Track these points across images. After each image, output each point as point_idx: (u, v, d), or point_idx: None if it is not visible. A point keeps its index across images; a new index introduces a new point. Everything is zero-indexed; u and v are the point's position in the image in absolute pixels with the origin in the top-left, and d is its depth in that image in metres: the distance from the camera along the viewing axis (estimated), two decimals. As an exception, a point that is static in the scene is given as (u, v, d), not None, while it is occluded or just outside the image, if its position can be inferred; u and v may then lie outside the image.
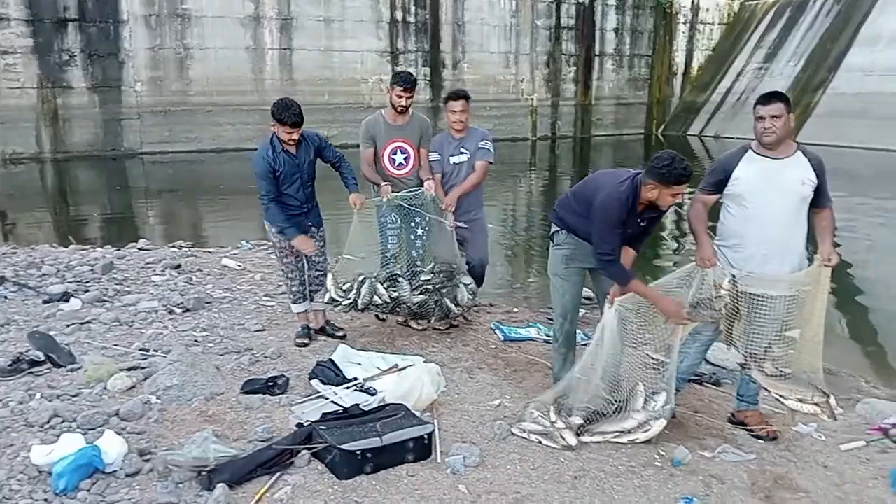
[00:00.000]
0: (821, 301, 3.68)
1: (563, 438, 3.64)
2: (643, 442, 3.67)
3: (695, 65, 25.90)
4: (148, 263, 7.23)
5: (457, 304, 5.11)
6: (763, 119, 3.62)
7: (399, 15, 20.89)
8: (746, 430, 3.95)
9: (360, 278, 4.95)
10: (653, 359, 3.88)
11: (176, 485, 3.15)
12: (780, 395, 3.74)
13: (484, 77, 21.92)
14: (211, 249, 8.25)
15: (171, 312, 5.63)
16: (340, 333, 5.14)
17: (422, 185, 5.09)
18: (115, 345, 4.89)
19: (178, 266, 7.09)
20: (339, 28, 20.08)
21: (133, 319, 5.44)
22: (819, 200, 3.71)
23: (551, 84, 24.03)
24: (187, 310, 5.67)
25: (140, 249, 8.04)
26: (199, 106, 18.64)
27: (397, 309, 5.08)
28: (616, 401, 3.78)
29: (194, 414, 3.85)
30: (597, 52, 24.66)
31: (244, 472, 3.19)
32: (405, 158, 5.20)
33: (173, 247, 8.29)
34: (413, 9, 21.04)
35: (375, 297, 4.93)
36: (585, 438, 3.69)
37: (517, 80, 23.17)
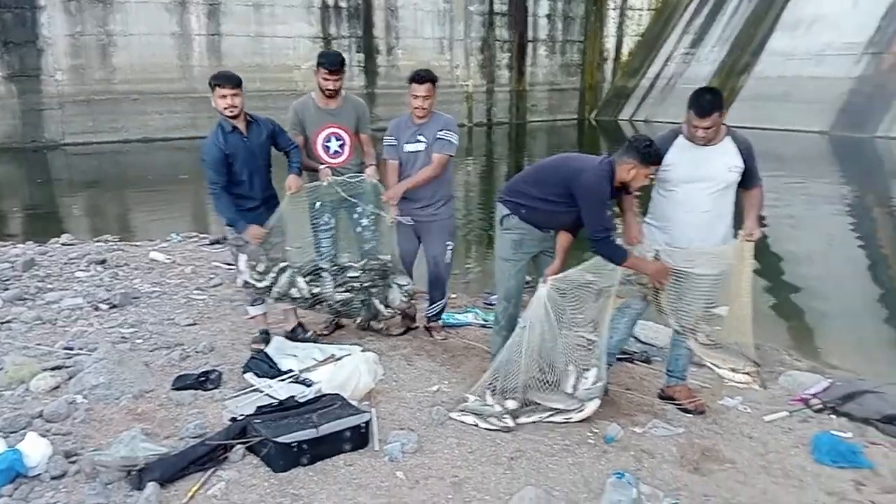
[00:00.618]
0: (746, 275, 3.80)
1: (500, 420, 3.68)
2: (578, 421, 3.74)
3: (625, 50, 26.36)
4: (72, 259, 6.96)
5: (387, 306, 4.81)
6: (697, 129, 3.68)
7: (331, 0, 20.60)
8: (675, 404, 4.07)
9: (282, 265, 4.59)
10: (586, 339, 3.95)
11: (104, 486, 3.05)
12: (714, 364, 3.87)
13: (418, 63, 21.66)
14: (138, 243, 8.02)
15: (96, 309, 5.44)
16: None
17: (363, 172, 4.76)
18: (38, 344, 4.70)
19: (104, 261, 6.86)
20: (269, 13, 19.66)
21: (56, 317, 5.24)
22: (748, 182, 3.83)
23: (486, 70, 24.12)
24: (114, 306, 5.49)
25: (63, 245, 7.74)
26: (124, 94, 18.01)
27: (318, 306, 4.75)
28: (549, 382, 3.84)
29: (123, 412, 3.74)
30: (530, 38, 24.85)
31: (176, 469, 3.12)
32: (340, 146, 4.82)
33: (99, 241, 8.02)
34: (345, -6, 20.79)
35: (293, 290, 4.59)
36: (522, 420, 3.74)
37: (452, 67, 23.17)
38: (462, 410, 3.80)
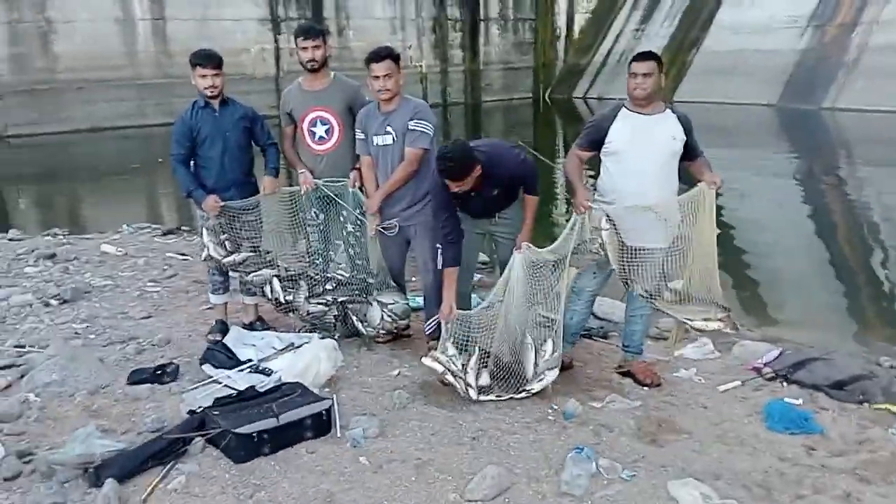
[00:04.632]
0: (710, 222, 3.83)
1: (467, 389, 3.75)
2: (537, 394, 3.80)
3: (576, 28, 26.38)
4: (19, 254, 6.79)
5: (366, 325, 4.47)
6: (636, 76, 3.80)
7: (278, -19, 20.24)
8: (633, 378, 4.14)
9: (268, 259, 4.50)
10: (544, 317, 4.00)
11: (61, 484, 2.99)
12: (687, 319, 3.92)
13: (370, 44, 20.97)
14: (89, 236, 7.85)
15: (47, 305, 5.31)
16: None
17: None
18: (-14, 343, 4.58)
19: (54, 255, 6.69)
20: (215, -4, 19.26)
21: (5, 315, 5.09)
22: (691, 154, 3.91)
23: (439, 50, 23.96)
24: (65, 301, 5.36)
25: (10, 240, 7.55)
26: (68, 83, 17.49)
27: (290, 313, 4.60)
28: (513, 352, 3.92)
29: (78, 409, 3.67)
30: (482, 17, 24.74)
31: (134, 464, 3.08)
32: (327, 130, 4.42)
33: (47, 235, 7.85)
34: (291, -26, 20.42)
35: (267, 288, 4.47)
36: (483, 397, 3.78)
37: (405, 47, 22.88)
38: (434, 358, 3.84)
